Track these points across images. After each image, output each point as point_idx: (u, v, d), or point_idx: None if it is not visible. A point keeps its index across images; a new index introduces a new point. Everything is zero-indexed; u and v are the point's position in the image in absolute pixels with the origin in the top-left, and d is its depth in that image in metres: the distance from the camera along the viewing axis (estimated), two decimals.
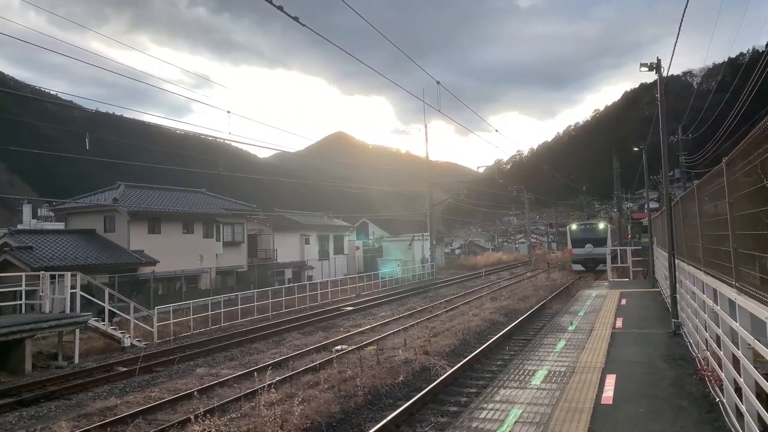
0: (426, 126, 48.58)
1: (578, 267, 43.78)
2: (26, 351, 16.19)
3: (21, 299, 19.42)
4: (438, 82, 18.64)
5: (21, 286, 19.42)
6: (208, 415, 10.62)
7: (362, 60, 13.62)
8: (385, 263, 49.64)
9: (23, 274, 20.34)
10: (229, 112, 21.10)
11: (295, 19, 9.81)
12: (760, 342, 4.71)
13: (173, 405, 12.42)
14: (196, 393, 12.80)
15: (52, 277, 19.54)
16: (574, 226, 46.01)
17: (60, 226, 38.35)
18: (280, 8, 9.05)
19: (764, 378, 4.69)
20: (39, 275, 19.63)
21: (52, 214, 48.69)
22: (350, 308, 28.74)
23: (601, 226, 45.60)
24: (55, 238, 29.64)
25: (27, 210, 51.45)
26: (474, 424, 6.58)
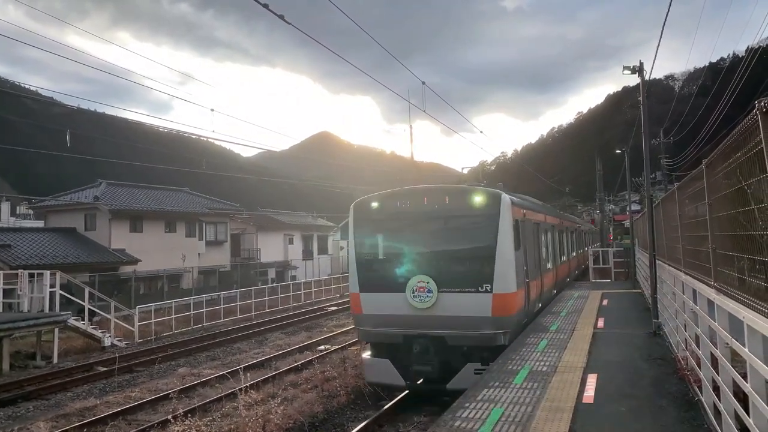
0: (411, 126, 48.71)
1: (376, 369, 11.87)
2: (3, 350, 15.93)
3: None
4: (423, 83, 18.66)
5: None
6: (189, 415, 10.53)
7: (348, 59, 13.56)
8: None
9: (1, 272, 19.99)
10: (212, 110, 20.94)
11: (281, 17, 9.75)
12: (737, 341, 4.78)
13: (154, 405, 12.30)
14: (177, 393, 12.68)
15: (31, 275, 19.24)
16: (374, 205, 12.53)
17: (39, 224, 37.75)
18: (266, 6, 8.98)
19: (741, 377, 4.75)
20: (17, 273, 19.30)
21: (31, 212, 47.82)
22: (334, 308, 28.68)
23: (478, 200, 11.69)
24: (34, 236, 29.17)
25: (5, 207, 50.51)
26: (457, 423, 6.58)
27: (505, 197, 11.64)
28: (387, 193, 12.81)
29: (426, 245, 11.81)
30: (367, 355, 12.26)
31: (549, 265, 17.58)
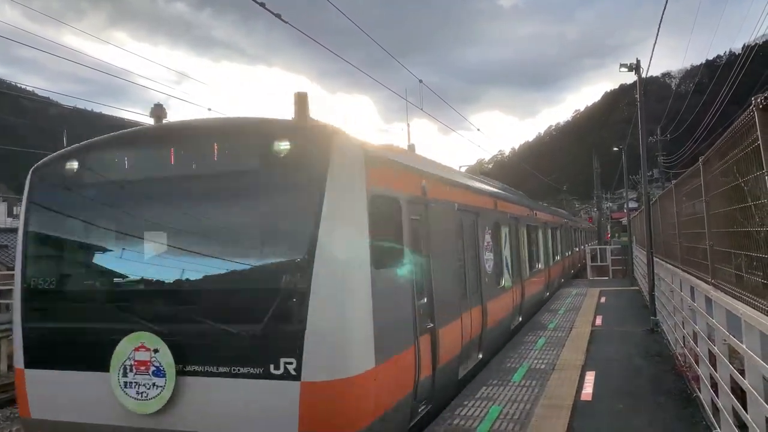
0: (408, 125, 48.74)
1: None
2: (1, 351, 15.90)
3: None
4: (420, 81, 18.66)
5: None
6: None
7: (346, 58, 13.56)
8: None
9: None
10: (210, 109, 20.90)
11: (277, 15, 9.73)
12: (735, 338, 4.79)
13: None
14: None
15: None
16: (71, 167, 6.12)
17: None
18: (263, 5, 8.97)
19: (739, 373, 4.77)
20: (14, 274, 19.25)
21: None
22: None
23: (282, 148, 5.06)
24: None
25: (2, 208, 50.52)
26: (456, 422, 6.59)
27: (345, 140, 5.47)
28: (99, 140, 6.43)
29: (159, 260, 5.56)
30: None
31: (504, 282, 11.26)
